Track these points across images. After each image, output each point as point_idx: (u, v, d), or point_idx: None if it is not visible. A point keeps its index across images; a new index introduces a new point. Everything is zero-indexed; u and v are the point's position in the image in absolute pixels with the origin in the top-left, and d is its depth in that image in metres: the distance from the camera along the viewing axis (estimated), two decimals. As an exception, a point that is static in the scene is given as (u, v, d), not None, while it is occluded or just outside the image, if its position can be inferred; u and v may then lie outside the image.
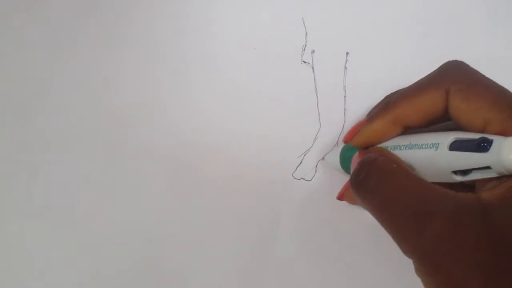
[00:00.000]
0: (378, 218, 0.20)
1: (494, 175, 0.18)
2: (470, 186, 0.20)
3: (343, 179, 0.28)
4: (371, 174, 0.20)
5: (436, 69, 0.22)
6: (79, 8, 0.32)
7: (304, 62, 0.31)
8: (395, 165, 0.20)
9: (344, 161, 0.26)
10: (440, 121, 0.22)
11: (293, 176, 0.29)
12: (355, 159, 0.24)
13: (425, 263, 0.17)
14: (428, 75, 0.22)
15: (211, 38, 0.31)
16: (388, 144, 0.24)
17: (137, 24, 0.32)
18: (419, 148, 0.21)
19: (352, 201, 0.27)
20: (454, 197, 0.18)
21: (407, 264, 0.27)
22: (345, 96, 0.30)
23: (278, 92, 0.30)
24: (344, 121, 0.29)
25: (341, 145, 0.28)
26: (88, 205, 0.29)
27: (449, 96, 0.20)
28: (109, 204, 0.29)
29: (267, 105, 0.30)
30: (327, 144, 0.29)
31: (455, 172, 0.19)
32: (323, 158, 0.29)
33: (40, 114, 0.31)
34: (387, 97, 0.25)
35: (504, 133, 0.18)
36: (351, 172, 0.23)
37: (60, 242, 0.29)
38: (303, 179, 0.29)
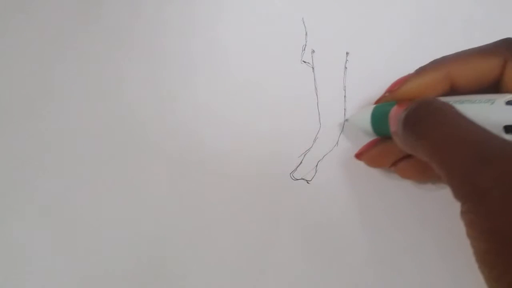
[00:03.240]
0: (432, 158, 0.19)
1: None
2: None
3: (344, 178, 0.28)
4: (430, 113, 0.20)
5: (495, 41, 0.22)
6: (82, 7, 0.32)
7: (304, 62, 0.31)
8: (453, 109, 0.20)
9: (376, 120, 0.25)
10: (486, 91, 0.22)
11: (293, 176, 0.29)
12: (395, 111, 0.23)
13: (482, 202, 0.17)
14: (487, 44, 0.22)
15: (211, 38, 0.31)
16: None
17: (140, 24, 0.32)
18: (471, 103, 0.20)
19: (370, 163, 0.26)
20: None
21: (407, 264, 0.27)
22: (345, 96, 0.30)
23: (278, 92, 0.30)
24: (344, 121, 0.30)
25: (367, 108, 0.27)
26: (89, 205, 0.29)
27: (507, 66, 0.20)
28: (110, 204, 0.29)
29: (267, 105, 0.30)
30: (327, 144, 0.29)
31: (507, 131, 0.19)
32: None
33: (42, 114, 0.30)
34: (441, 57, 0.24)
35: None
36: (390, 124, 0.22)
37: (61, 242, 0.29)
38: (303, 179, 0.29)
